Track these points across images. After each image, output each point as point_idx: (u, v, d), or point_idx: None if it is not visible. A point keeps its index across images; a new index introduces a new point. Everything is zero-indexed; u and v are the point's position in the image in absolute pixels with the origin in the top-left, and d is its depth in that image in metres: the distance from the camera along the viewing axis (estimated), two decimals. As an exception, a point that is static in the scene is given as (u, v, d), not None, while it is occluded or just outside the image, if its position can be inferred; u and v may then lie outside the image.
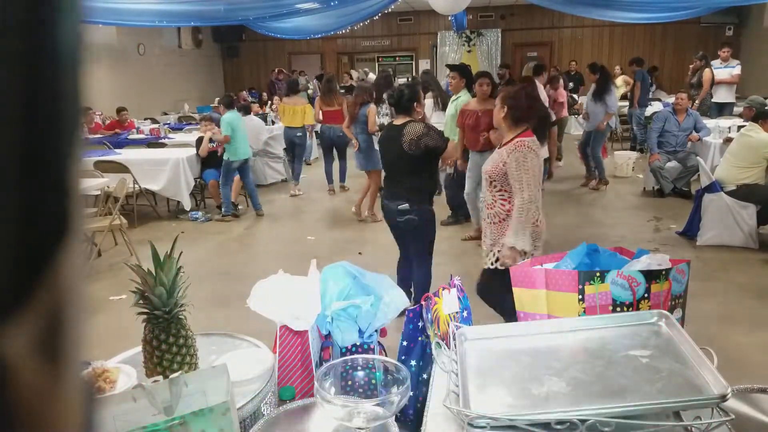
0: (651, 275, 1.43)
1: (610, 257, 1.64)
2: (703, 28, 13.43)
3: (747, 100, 7.53)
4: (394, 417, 1.23)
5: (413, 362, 1.84)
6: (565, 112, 8.70)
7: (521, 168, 2.76)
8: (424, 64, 15.17)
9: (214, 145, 6.93)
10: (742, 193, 5.11)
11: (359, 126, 6.23)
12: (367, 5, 8.97)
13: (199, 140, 7.08)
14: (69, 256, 0.23)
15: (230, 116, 6.50)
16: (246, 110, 7.78)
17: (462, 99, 5.55)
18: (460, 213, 6.00)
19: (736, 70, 9.38)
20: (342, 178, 7.77)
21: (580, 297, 1.46)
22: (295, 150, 7.69)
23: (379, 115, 6.66)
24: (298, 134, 7.56)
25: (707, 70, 9.20)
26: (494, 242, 2.94)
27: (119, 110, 9.30)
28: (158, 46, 13.20)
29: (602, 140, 7.55)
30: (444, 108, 6.10)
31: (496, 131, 4.20)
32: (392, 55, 16.20)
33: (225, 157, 6.51)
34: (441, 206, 5.31)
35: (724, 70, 9.32)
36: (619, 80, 11.15)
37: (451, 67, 6.05)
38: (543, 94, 7.57)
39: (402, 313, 1.67)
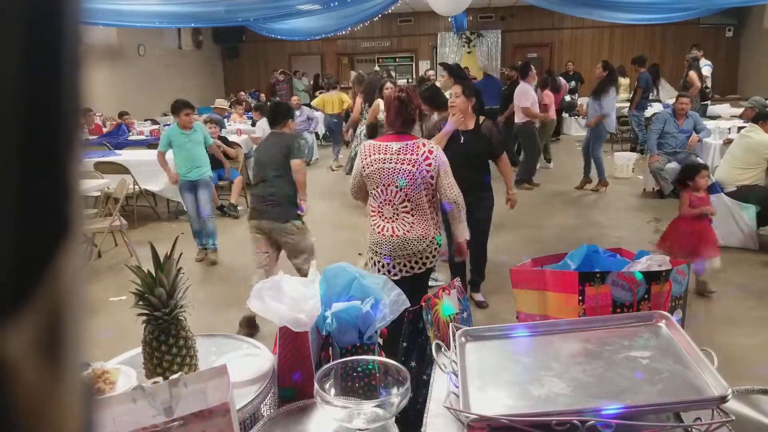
0: (651, 276, 1.43)
1: (610, 258, 1.64)
2: (703, 29, 13.43)
3: (749, 100, 7.53)
4: (394, 418, 1.23)
5: (413, 363, 1.84)
6: (552, 114, 8.73)
7: None
8: (424, 65, 15.18)
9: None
10: (742, 194, 5.12)
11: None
12: (367, 6, 8.97)
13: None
14: (69, 257, 0.23)
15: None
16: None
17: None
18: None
19: (704, 71, 9.42)
20: None
21: (581, 298, 1.46)
22: (333, 133, 10.14)
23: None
24: (335, 120, 10.02)
25: (692, 72, 9.25)
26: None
27: (121, 114, 9.39)
28: (158, 47, 13.20)
29: (600, 141, 7.54)
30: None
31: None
32: (392, 56, 16.20)
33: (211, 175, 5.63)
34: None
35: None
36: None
37: (443, 66, 6.32)
38: (532, 94, 7.61)
39: (402, 314, 1.67)
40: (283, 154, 3.79)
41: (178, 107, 5.41)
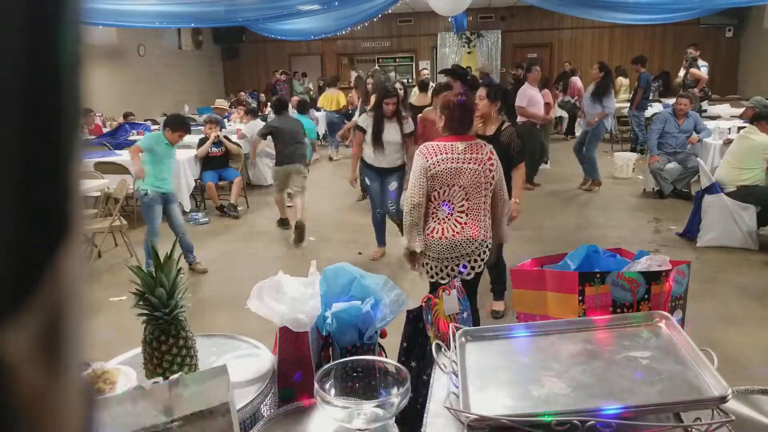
0: (651, 276, 1.43)
1: (610, 258, 1.64)
2: (703, 30, 13.44)
3: (750, 100, 7.55)
4: (394, 418, 1.23)
5: (413, 363, 1.84)
6: (551, 115, 8.71)
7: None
8: (424, 66, 15.19)
9: (219, 150, 7.02)
10: (742, 194, 5.12)
11: None
12: (367, 6, 8.97)
13: (202, 141, 7.09)
14: (69, 257, 0.23)
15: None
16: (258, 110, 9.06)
17: None
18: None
19: (701, 72, 9.45)
20: None
21: (580, 298, 1.46)
22: (333, 128, 10.55)
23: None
24: (336, 116, 10.71)
25: (693, 69, 9.30)
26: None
27: (126, 115, 9.47)
28: (158, 48, 13.21)
29: (597, 141, 7.53)
30: None
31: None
32: (392, 57, 16.21)
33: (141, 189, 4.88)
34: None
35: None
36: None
37: (445, 72, 6.18)
38: (529, 93, 7.55)
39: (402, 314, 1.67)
40: (299, 132, 6.19)
41: (180, 125, 4.90)
